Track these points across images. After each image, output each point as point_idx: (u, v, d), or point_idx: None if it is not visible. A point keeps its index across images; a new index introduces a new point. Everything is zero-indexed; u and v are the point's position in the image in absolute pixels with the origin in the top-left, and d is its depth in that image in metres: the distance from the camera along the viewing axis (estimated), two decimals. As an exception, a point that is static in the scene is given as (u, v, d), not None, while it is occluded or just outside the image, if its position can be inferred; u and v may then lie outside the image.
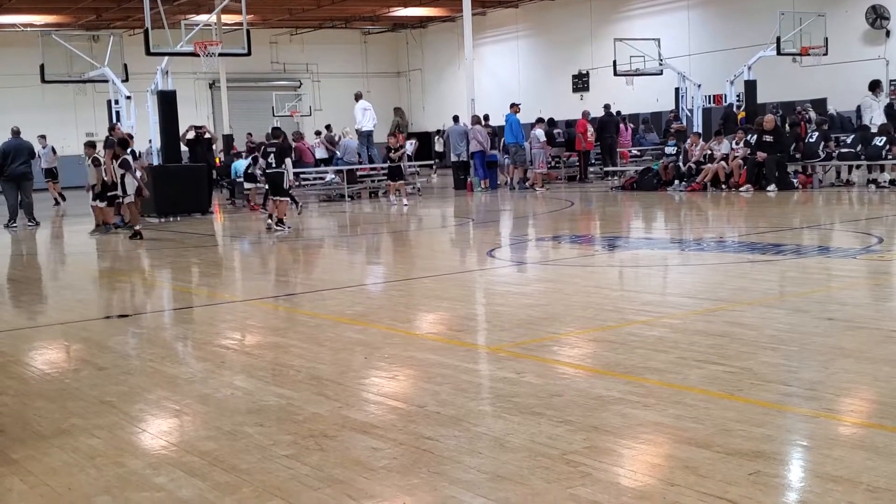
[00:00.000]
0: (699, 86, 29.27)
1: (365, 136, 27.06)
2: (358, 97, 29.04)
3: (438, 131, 41.29)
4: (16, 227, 20.24)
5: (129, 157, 17.43)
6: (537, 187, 25.11)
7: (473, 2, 28.36)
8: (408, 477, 4.24)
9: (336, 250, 14.91)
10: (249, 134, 32.47)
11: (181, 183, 21.20)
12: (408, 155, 23.08)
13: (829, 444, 4.43)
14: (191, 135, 24.62)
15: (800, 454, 4.46)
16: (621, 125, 29.49)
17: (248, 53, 21.64)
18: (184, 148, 23.68)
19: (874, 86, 24.37)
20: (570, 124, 29.63)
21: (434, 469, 4.31)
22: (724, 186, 20.83)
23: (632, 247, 13.24)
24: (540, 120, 26.87)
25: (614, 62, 30.22)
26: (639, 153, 30.67)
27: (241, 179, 24.71)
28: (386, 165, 23.67)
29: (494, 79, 41.70)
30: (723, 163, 21.14)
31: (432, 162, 36.33)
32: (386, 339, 7.38)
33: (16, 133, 21.70)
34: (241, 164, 25.74)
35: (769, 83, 28.46)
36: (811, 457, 4.36)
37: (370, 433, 4.88)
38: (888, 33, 29.35)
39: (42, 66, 24.70)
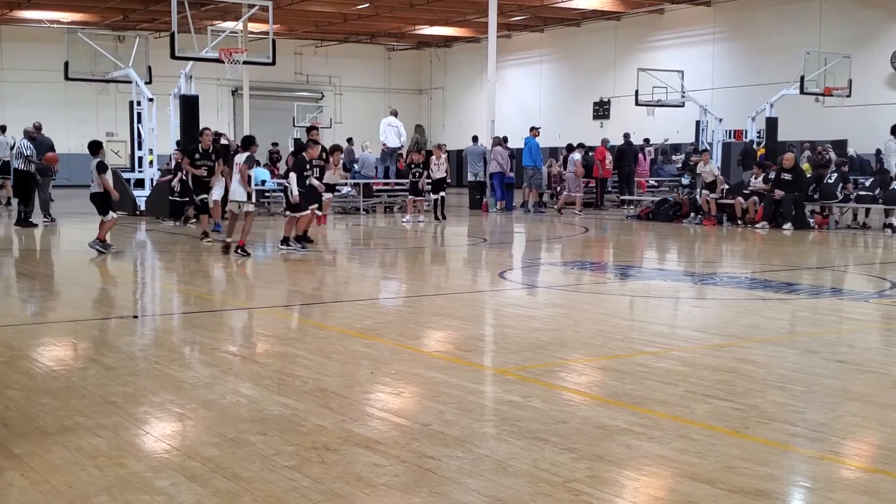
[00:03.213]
0: (720, 120, 29.28)
1: (388, 153, 27.22)
2: (391, 113, 29.22)
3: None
4: (35, 223, 20.30)
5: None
6: (576, 210, 25.37)
7: (499, 24, 28.45)
8: (408, 495, 4.23)
9: (348, 263, 14.92)
10: (275, 144, 32.61)
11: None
12: (445, 170, 22.92)
13: (832, 487, 4.40)
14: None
15: (802, 495, 4.43)
16: (640, 155, 29.53)
17: (273, 63, 21.77)
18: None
19: None
20: (588, 151, 29.68)
21: (435, 489, 4.30)
22: (739, 222, 20.81)
23: (644, 277, 13.21)
24: (578, 146, 26.96)
25: (636, 91, 30.25)
26: (656, 183, 30.67)
27: (259, 187, 24.72)
28: (401, 181, 23.75)
29: (515, 101, 41.79)
30: (740, 198, 21.13)
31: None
32: (393, 355, 7.37)
33: (37, 129, 21.82)
34: (259, 173, 25.83)
35: (790, 122, 28.45)
36: (814, 499, 4.33)
37: (373, 449, 4.87)
38: (912, 78, 29.34)
39: (66, 64, 24.86)
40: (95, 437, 5.07)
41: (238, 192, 14.45)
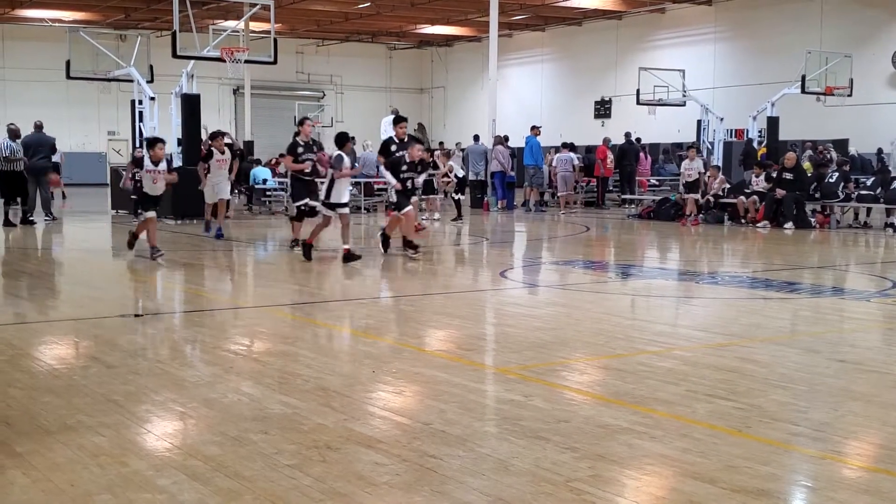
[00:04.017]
0: (721, 119, 29.28)
1: None
2: (392, 112, 29.22)
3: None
4: (33, 220, 20.32)
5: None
6: (562, 211, 25.37)
7: (500, 23, 28.45)
8: (410, 494, 4.23)
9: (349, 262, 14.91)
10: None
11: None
12: (456, 175, 23.03)
13: (834, 487, 4.40)
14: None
15: (804, 495, 4.43)
16: (641, 154, 29.53)
17: (275, 62, 21.78)
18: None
19: None
20: (590, 150, 29.70)
21: (436, 488, 4.30)
22: (743, 221, 20.82)
23: (645, 276, 13.20)
24: (569, 146, 26.98)
25: (638, 91, 30.26)
26: (657, 182, 30.67)
27: (260, 186, 24.84)
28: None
29: (517, 100, 41.80)
30: (742, 197, 21.13)
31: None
32: (395, 354, 7.37)
33: (38, 127, 21.81)
34: (260, 171, 25.87)
35: (792, 121, 28.45)
36: (816, 498, 4.33)
37: (374, 448, 4.87)
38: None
39: (68, 63, 24.86)
40: (97, 435, 5.07)
41: (345, 195, 13.68)
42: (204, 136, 24.30)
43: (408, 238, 14.08)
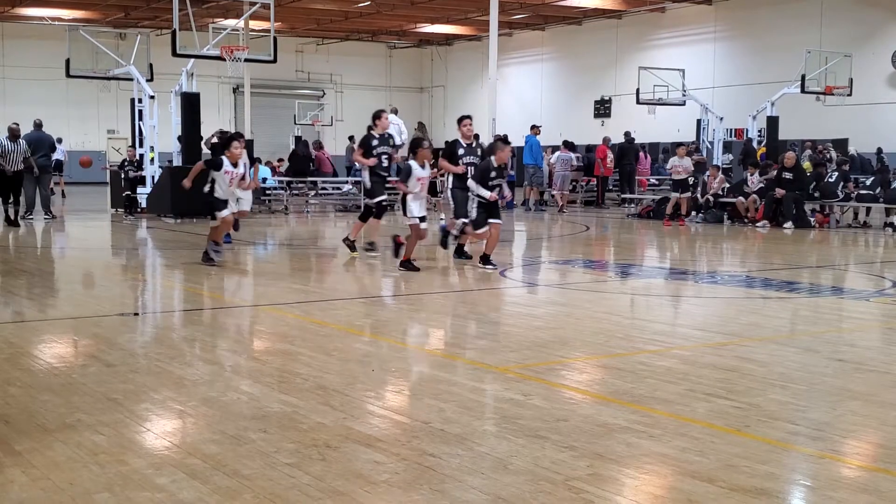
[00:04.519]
0: (721, 119, 29.30)
1: None
2: (391, 111, 29.14)
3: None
4: (32, 218, 20.33)
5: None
6: (561, 210, 25.35)
7: (500, 22, 28.44)
8: (409, 493, 4.23)
9: (349, 260, 14.90)
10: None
11: (200, 185, 21.23)
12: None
13: (833, 486, 4.40)
14: (214, 139, 24.76)
15: (803, 494, 4.44)
16: (640, 153, 29.55)
17: (274, 60, 21.79)
18: (206, 150, 23.82)
19: None
20: (589, 149, 29.70)
21: (436, 487, 4.30)
22: (745, 220, 20.83)
23: (645, 275, 13.21)
24: (569, 145, 26.97)
25: (637, 90, 30.27)
26: (657, 182, 30.67)
27: (261, 185, 24.81)
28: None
29: (517, 100, 41.83)
30: (741, 197, 21.14)
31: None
32: (394, 353, 7.37)
33: (38, 126, 21.84)
34: (259, 171, 25.87)
35: (791, 120, 28.46)
36: (814, 497, 4.33)
37: (373, 446, 4.87)
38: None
39: (68, 61, 24.87)
40: (96, 433, 5.07)
41: (419, 208, 12.39)
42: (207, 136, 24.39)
43: (486, 252, 12.69)
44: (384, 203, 14.05)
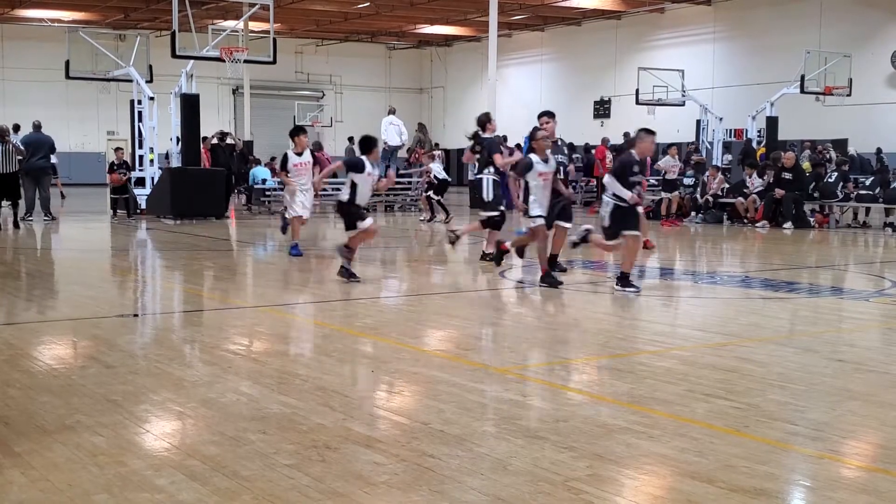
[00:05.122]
0: (721, 119, 29.28)
1: (389, 151, 27.20)
2: (389, 111, 29.16)
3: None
4: (31, 220, 20.32)
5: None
6: None
7: (499, 23, 28.45)
8: (408, 494, 4.23)
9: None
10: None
11: (199, 186, 21.29)
12: (436, 177, 22.60)
13: (832, 486, 4.40)
14: (215, 139, 24.86)
15: (802, 494, 4.44)
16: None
17: (274, 61, 21.80)
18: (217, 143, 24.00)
19: None
20: (589, 150, 29.70)
21: (435, 488, 4.30)
22: (745, 220, 20.83)
23: (644, 275, 13.19)
24: (568, 145, 26.96)
25: (637, 91, 30.27)
26: (657, 182, 30.63)
27: (260, 186, 24.85)
28: (400, 180, 23.73)
29: (516, 100, 41.82)
30: (740, 198, 21.14)
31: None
32: (394, 354, 7.37)
33: (37, 127, 21.82)
34: (259, 171, 25.89)
35: (791, 121, 28.46)
36: (814, 498, 4.34)
37: (373, 447, 4.87)
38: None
39: (67, 63, 24.85)
40: (96, 435, 5.07)
41: (538, 207, 11.16)
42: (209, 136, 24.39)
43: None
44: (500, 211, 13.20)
